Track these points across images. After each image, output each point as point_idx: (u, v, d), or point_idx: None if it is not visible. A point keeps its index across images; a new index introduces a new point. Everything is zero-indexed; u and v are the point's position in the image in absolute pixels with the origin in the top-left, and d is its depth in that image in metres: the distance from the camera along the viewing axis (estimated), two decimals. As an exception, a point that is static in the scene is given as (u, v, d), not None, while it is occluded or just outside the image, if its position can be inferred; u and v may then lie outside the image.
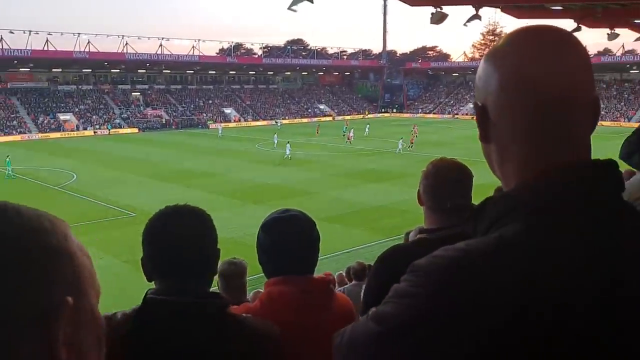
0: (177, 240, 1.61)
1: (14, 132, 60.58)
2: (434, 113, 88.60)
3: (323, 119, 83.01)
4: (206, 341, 1.53)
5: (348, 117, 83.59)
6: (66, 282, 0.63)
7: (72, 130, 63.79)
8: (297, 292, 1.85)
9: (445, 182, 2.07)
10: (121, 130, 66.19)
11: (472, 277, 0.84)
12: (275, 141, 46.97)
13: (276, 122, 72.73)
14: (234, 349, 1.57)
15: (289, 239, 1.86)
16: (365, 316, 1.01)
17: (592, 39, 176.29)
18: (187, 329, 1.52)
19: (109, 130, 65.37)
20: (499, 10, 12.89)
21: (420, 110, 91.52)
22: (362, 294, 2.05)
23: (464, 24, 14.83)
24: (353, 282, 6.98)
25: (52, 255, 0.62)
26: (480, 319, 0.82)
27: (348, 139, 48.83)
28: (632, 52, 79.97)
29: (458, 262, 0.87)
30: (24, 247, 0.60)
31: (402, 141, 42.24)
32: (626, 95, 77.99)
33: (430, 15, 13.63)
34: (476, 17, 14.10)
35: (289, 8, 12.34)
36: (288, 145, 39.84)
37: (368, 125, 60.24)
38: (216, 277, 3.18)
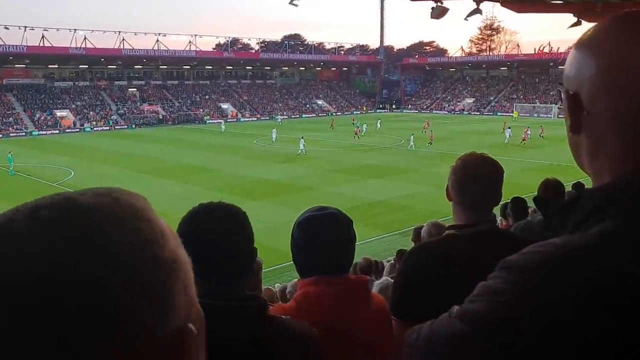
0: (215, 241, 1.55)
1: (10, 128, 60.34)
2: (430, 109, 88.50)
3: (333, 116, 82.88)
4: (247, 344, 1.49)
5: (357, 113, 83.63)
6: (182, 298, 0.58)
7: (69, 128, 63.61)
8: (333, 293, 1.80)
9: (474, 178, 2.04)
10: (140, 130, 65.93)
11: (573, 273, 0.80)
12: (274, 137, 46.91)
13: (275, 118, 72.73)
14: (276, 352, 1.52)
15: (325, 238, 1.81)
16: (447, 314, 0.99)
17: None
18: (227, 332, 1.46)
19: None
20: (497, 4, 12.83)
21: (420, 107, 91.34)
22: (392, 289, 2.02)
23: (465, 19, 14.82)
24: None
25: (166, 271, 0.56)
26: (582, 317, 0.78)
27: (355, 133, 48.75)
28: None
29: (558, 258, 0.82)
30: (135, 266, 0.54)
31: (413, 137, 41.79)
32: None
33: (431, 10, 13.60)
34: (477, 11, 14.07)
35: (291, 3, 12.28)
36: (302, 140, 39.73)
37: (379, 120, 60.49)
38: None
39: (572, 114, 0.95)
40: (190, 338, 0.57)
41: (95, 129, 64.10)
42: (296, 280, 6.71)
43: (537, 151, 37.76)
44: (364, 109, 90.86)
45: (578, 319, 0.78)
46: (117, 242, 0.53)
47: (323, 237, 1.81)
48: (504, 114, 74.13)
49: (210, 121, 71.81)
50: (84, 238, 0.52)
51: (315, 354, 1.60)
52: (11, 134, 58.58)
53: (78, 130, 63.29)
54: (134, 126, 67.03)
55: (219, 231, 1.56)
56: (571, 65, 0.96)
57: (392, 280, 6.09)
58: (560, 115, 71.48)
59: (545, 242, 0.87)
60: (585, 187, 0.92)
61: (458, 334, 0.91)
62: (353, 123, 55.81)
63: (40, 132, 60.63)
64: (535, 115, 69.94)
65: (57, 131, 61.81)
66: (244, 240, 1.61)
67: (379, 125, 57.11)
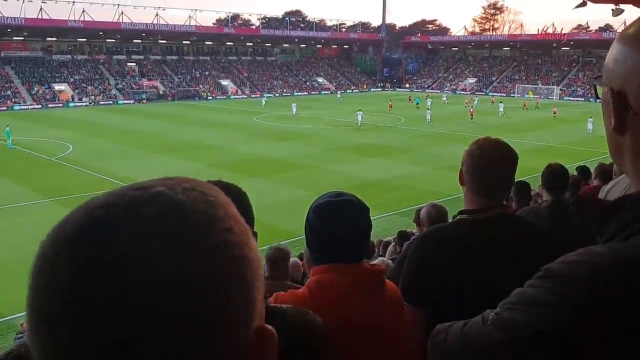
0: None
1: (9, 101, 60.03)
2: (432, 88, 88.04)
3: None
4: None
5: (356, 91, 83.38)
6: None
7: (67, 101, 63.27)
8: (348, 282, 1.75)
9: (490, 163, 2.01)
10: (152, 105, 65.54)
11: (623, 285, 0.76)
12: (294, 110, 49.59)
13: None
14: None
15: (342, 225, 1.76)
16: (479, 319, 0.97)
17: (593, 14, 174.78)
18: None
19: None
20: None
21: (422, 87, 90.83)
22: (402, 274, 2.00)
23: (469, -3, 14.66)
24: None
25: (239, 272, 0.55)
26: (631, 330, 0.74)
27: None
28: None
29: (605, 270, 0.78)
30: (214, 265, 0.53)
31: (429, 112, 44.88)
32: (626, 72, 77.55)
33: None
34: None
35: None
36: (360, 112, 42.21)
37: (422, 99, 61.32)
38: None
39: (617, 113, 0.88)
40: (271, 339, 0.58)
41: (98, 103, 63.72)
42: (294, 259, 6.72)
43: (537, 133, 37.67)
44: (365, 87, 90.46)
45: (627, 332, 0.75)
46: (215, 243, 0.53)
47: (340, 225, 1.76)
48: (500, 94, 73.96)
49: (210, 97, 71.64)
50: (187, 240, 0.52)
51: (318, 345, 1.55)
52: (14, 107, 58.31)
53: (76, 104, 62.96)
54: (132, 101, 66.67)
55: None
56: (616, 61, 0.89)
57: (389, 261, 6.07)
58: (563, 97, 71.26)
59: (592, 251, 0.82)
60: (625, 191, 0.89)
61: (494, 342, 0.88)
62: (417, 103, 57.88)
63: (34, 107, 60.34)
64: (537, 97, 69.61)
65: (61, 104, 61.52)
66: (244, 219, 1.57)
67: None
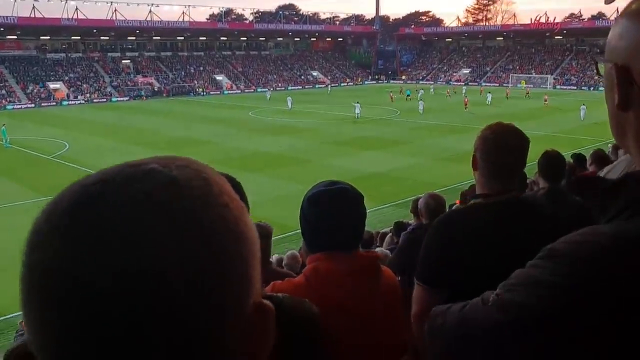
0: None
1: (4, 101, 59.75)
2: (427, 80, 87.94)
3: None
4: None
5: (351, 84, 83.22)
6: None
7: (62, 99, 63.00)
8: (344, 269, 1.77)
9: (505, 148, 2.07)
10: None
11: (626, 266, 0.75)
12: (290, 104, 49.81)
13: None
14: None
15: (337, 214, 1.77)
16: (478, 301, 0.96)
17: (585, 2, 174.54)
18: None
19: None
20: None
21: (416, 78, 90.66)
22: (420, 256, 2.05)
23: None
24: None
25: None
26: (634, 312, 0.73)
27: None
28: (626, 16, 79.17)
29: (609, 250, 0.76)
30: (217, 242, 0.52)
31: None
32: (619, 60, 77.57)
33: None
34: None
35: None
36: (357, 104, 42.65)
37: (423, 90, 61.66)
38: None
39: (620, 88, 0.85)
40: (269, 313, 0.58)
41: (92, 101, 63.48)
42: (292, 251, 6.74)
43: (531, 122, 37.74)
44: (359, 80, 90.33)
45: (630, 313, 0.73)
46: (211, 218, 0.52)
47: (334, 213, 1.78)
48: (493, 84, 74.03)
49: (203, 93, 71.57)
50: (183, 215, 0.51)
51: (315, 335, 1.55)
52: (7, 106, 58.07)
53: (72, 102, 62.71)
54: (128, 98, 66.43)
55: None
56: (619, 36, 0.86)
57: (387, 252, 6.11)
58: (556, 87, 71.26)
59: (593, 231, 0.81)
60: (629, 170, 0.85)
61: (495, 323, 0.87)
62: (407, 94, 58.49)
63: (28, 105, 60.08)
64: (531, 85, 69.62)
65: (54, 103, 61.29)
66: None
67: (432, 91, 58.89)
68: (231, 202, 0.56)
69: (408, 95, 57.94)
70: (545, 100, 49.62)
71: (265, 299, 1.61)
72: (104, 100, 64.86)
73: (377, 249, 7.25)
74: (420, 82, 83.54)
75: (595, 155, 6.20)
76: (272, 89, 72.58)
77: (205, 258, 0.50)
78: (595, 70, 0.95)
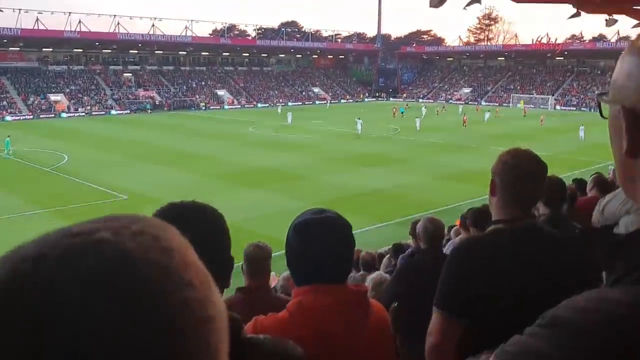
0: None
1: (4, 112, 59.84)
2: (427, 98, 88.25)
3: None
4: None
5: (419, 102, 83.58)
6: None
7: (63, 112, 63.09)
8: (330, 303, 1.68)
9: (525, 175, 2.08)
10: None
11: None
12: (290, 120, 50.98)
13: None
14: None
15: (323, 244, 1.68)
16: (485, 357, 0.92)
17: (587, 25, 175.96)
18: None
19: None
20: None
21: (417, 96, 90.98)
22: (440, 281, 2.03)
23: (464, 8, 14.70)
24: (361, 272, 6.86)
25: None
26: None
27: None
28: (627, 38, 79.78)
29: (621, 319, 0.67)
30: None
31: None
32: (620, 82, 77.96)
33: (430, -2, 13.43)
34: (476, 0, 13.94)
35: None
36: (360, 121, 42.81)
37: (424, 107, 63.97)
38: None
39: (630, 134, 0.78)
40: None
41: (91, 114, 63.52)
42: (288, 273, 6.67)
43: (531, 143, 37.76)
44: (361, 96, 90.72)
45: None
46: (172, 304, 0.45)
47: (321, 243, 1.68)
48: (493, 103, 74.32)
49: (204, 107, 71.87)
50: (136, 303, 0.43)
51: None
52: (6, 117, 58.09)
53: (72, 114, 62.80)
54: (128, 111, 66.53)
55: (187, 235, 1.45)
56: (627, 75, 0.79)
57: (386, 275, 6.02)
58: (557, 107, 71.49)
59: (601, 295, 0.72)
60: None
61: None
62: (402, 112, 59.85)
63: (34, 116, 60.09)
64: (532, 106, 69.84)
65: (53, 115, 61.35)
66: (216, 245, 1.44)
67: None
68: (195, 277, 0.48)
69: (402, 113, 59.32)
70: (541, 121, 50.40)
71: (246, 341, 1.49)
72: (103, 113, 64.92)
73: (376, 273, 7.16)
74: (421, 100, 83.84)
75: (596, 180, 6.12)
76: (272, 105, 72.86)
77: (163, 356, 0.43)
78: (598, 111, 0.87)
